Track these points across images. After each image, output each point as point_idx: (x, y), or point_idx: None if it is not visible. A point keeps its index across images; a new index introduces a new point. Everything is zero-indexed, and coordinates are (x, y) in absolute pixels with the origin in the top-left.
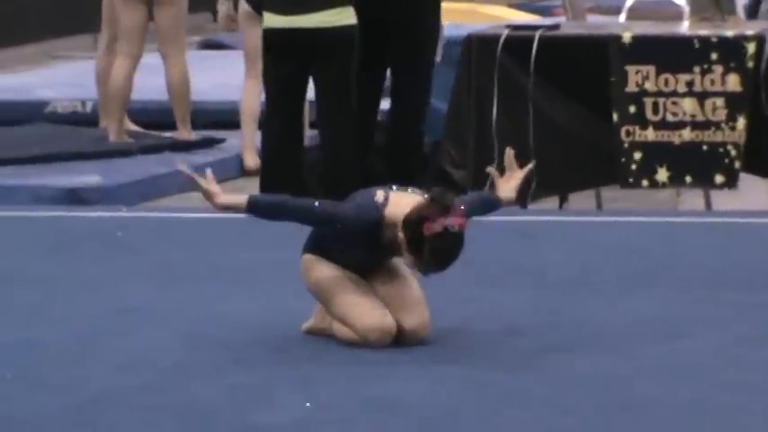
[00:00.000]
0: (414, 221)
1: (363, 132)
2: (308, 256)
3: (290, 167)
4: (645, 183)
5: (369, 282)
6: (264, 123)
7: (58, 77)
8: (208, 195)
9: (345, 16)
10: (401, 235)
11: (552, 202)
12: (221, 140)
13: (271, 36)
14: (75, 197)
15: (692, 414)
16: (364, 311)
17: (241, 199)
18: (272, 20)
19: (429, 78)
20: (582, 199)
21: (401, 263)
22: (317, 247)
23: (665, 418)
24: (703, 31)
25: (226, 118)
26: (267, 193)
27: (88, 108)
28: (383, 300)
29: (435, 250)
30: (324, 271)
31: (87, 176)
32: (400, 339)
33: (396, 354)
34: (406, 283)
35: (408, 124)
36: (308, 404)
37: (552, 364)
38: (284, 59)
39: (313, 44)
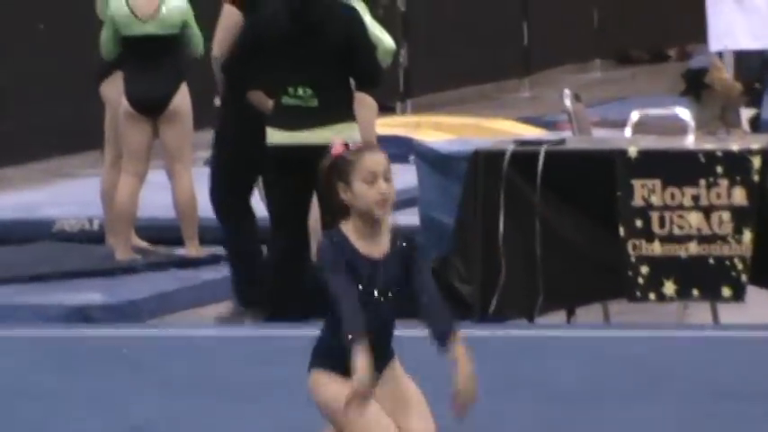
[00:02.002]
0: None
1: None
2: (314, 376)
3: (297, 282)
4: (652, 296)
5: (380, 390)
6: (270, 239)
7: (65, 195)
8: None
9: (350, 132)
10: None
11: (560, 315)
12: (222, 257)
13: (275, 152)
14: (81, 315)
15: None
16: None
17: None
18: (276, 136)
19: None
20: (589, 312)
21: (399, 369)
22: (321, 358)
23: None
24: (708, 145)
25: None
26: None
27: (95, 226)
28: (384, 404)
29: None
30: (331, 390)
31: (93, 294)
32: None
33: None
34: (408, 387)
35: None
36: None
37: None
38: (288, 174)
39: (316, 162)
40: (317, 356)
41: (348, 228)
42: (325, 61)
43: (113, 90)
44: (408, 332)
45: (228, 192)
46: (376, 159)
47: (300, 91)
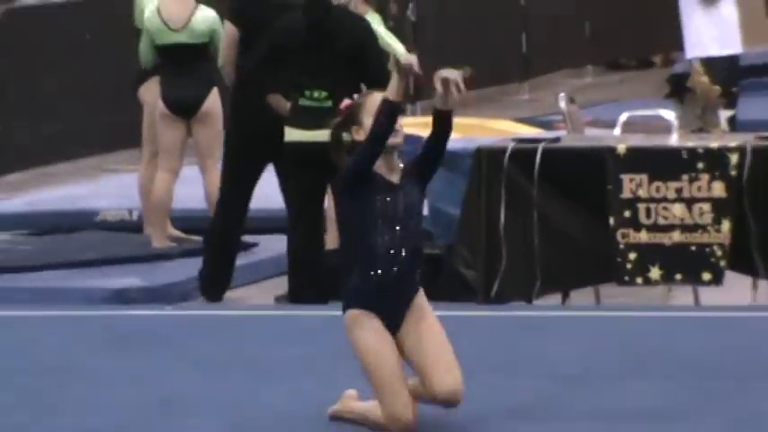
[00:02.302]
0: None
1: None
2: (349, 315)
3: (314, 270)
4: (639, 280)
5: (401, 338)
6: (289, 230)
7: (107, 189)
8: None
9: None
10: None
11: (555, 298)
12: (255, 244)
13: (293, 148)
14: (122, 297)
15: None
16: (393, 399)
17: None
18: (294, 134)
19: None
20: (582, 295)
21: (425, 306)
22: (351, 299)
23: None
24: (690, 143)
25: (257, 224)
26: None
27: (134, 216)
28: (415, 357)
29: None
30: (364, 337)
31: (133, 278)
32: (432, 401)
33: None
34: (433, 329)
35: None
36: None
37: None
38: (304, 170)
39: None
40: (349, 298)
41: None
42: (339, 67)
43: (150, 94)
44: None
45: (232, 185)
46: (380, 96)
47: (316, 94)
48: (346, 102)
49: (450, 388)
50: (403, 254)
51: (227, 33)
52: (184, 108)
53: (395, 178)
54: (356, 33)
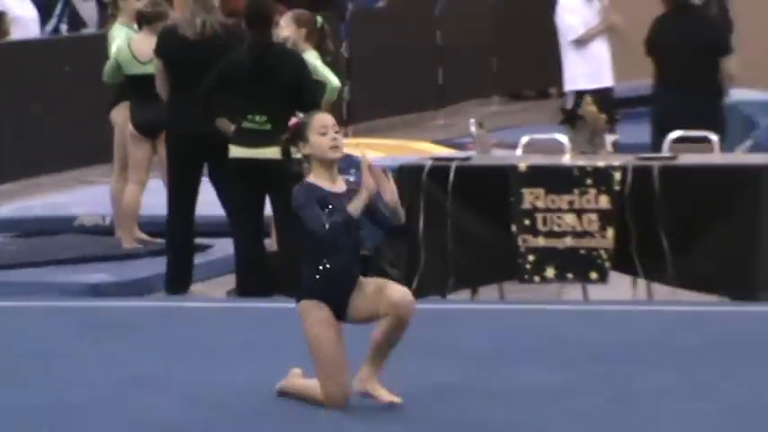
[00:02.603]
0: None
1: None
2: (300, 305)
3: (258, 269)
4: (537, 279)
5: (351, 313)
6: (233, 234)
7: (84, 198)
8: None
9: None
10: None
11: (465, 293)
12: (209, 246)
13: (236, 163)
14: (96, 291)
15: None
16: (330, 379)
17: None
18: (237, 151)
19: None
20: (489, 291)
21: (363, 280)
22: (306, 291)
23: None
24: (581, 162)
25: (212, 228)
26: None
27: (107, 222)
28: (368, 303)
29: None
30: (311, 324)
31: (106, 274)
32: (394, 318)
33: (344, 414)
34: (372, 283)
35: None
36: None
37: (473, 416)
38: (245, 181)
39: (268, 171)
40: (304, 290)
41: (311, 178)
42: (277, 95)
43: (120, 117)
44: None
45: (176, 188)
46: (325, 117)
47: (258, 118)
48: (294, 120)
49: (407, 298)
50: (348, 251)
51: (156, 67)
52: (150, 129)
53: (337, 188)
54: (293, 68)
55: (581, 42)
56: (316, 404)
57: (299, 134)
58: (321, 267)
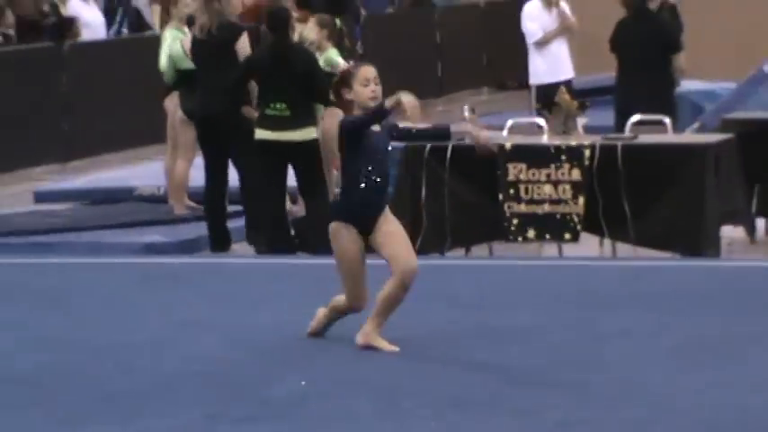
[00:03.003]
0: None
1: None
2: (333, 226)
3: (282, 229)
4: (520, 239)
5: (374, 237)
6: (258, 201)
7: (143, 172)
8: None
9: (311, 133)
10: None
11: (461, 251)
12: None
13: (260, 144)
14: (152, 249)
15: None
16: (354, 286)
17: None
18: (262, 134)
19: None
20: (480, 249)
21: (390, 216)
22: (337, 213)
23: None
24: (557, 142)
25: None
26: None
27: (162, 192)
28: (383, 250)
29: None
30: (341, 246)
31: (160, 236)
32: (398, 280)
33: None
34: (395, 227)
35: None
36: (303, 382)
37: (465, 353)
38: (269, 159)
39: (289, 150)
40: (335, 212)
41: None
42: (295, 86)
43: (172, 104)
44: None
45: (208, 162)
46: (369, 70)
47: (278, 105)
48: (346, 66)
49: (412, 266)
50: (378, 178)
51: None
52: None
53: (375, 127)
54: (307, 63)
55: (542, 44)
56: (342, 315)
57: (345, 81)
58: (349, 192)
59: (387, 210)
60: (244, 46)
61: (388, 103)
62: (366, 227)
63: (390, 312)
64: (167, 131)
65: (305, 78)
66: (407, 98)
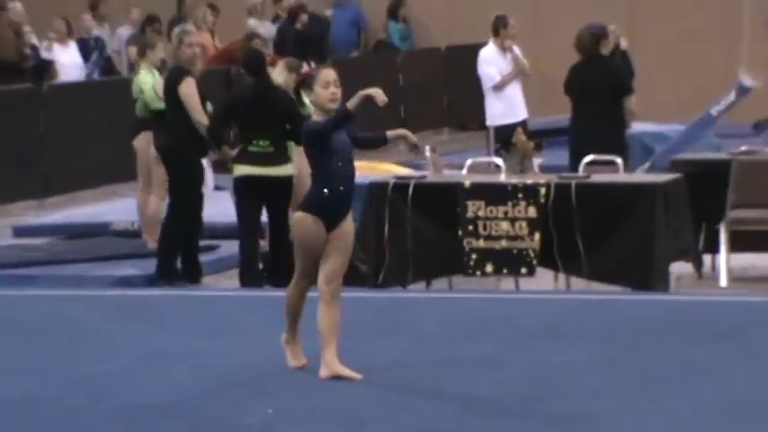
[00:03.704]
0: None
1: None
2: (297, 215)
3: (257, 261)
4: (478, 273)
5: (331, 236)
6: (242, 236)
7: (118, 207)
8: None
9: (289, 169)
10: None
11: (422, 285)
12: (217, 246)
13: (243, 180)
14: (126, 282)
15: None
16: (308, 269)
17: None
18: (243, 169)
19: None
20: (440, 283)
21: (350, 220)
22: (306, 205)
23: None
24: (514, 180)
25: (216, 232)
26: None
27: (135, 226)
28: (331, 241)
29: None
30: (300, 227)
31: (134, 269)
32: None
33: (320, 381)
34: (346, 232)
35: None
36: (270, 410)
37: (426, 383)
38: (250, 194)
39: (270, 186)
40: (304, 206)
41: (315, 119)
42: (277, 124)
43: (142, 143)
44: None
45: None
46: (329, 73)
47: (261, 142)
48: (307, 69)
49: (331, 279)
50: (345, 178)
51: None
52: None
53: None
54: (286, 103)
55: (498, 87)
56: (298, 315)
57: (308, 83)
58: (322, 191)
59: (350, 216)
60: (185, 89)
61: (350, 104)
62: (330, 223)
63: (336, 334)
64: (138, 169)
65: (286, 118)
66: (372, 90)
